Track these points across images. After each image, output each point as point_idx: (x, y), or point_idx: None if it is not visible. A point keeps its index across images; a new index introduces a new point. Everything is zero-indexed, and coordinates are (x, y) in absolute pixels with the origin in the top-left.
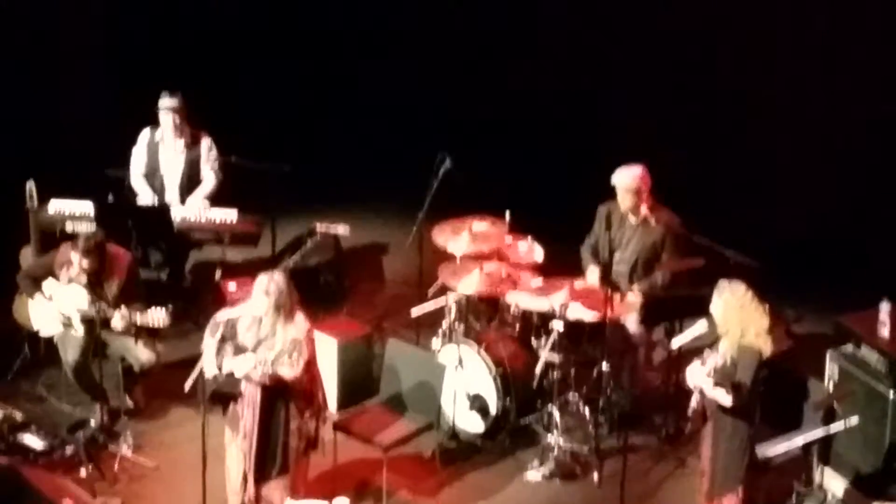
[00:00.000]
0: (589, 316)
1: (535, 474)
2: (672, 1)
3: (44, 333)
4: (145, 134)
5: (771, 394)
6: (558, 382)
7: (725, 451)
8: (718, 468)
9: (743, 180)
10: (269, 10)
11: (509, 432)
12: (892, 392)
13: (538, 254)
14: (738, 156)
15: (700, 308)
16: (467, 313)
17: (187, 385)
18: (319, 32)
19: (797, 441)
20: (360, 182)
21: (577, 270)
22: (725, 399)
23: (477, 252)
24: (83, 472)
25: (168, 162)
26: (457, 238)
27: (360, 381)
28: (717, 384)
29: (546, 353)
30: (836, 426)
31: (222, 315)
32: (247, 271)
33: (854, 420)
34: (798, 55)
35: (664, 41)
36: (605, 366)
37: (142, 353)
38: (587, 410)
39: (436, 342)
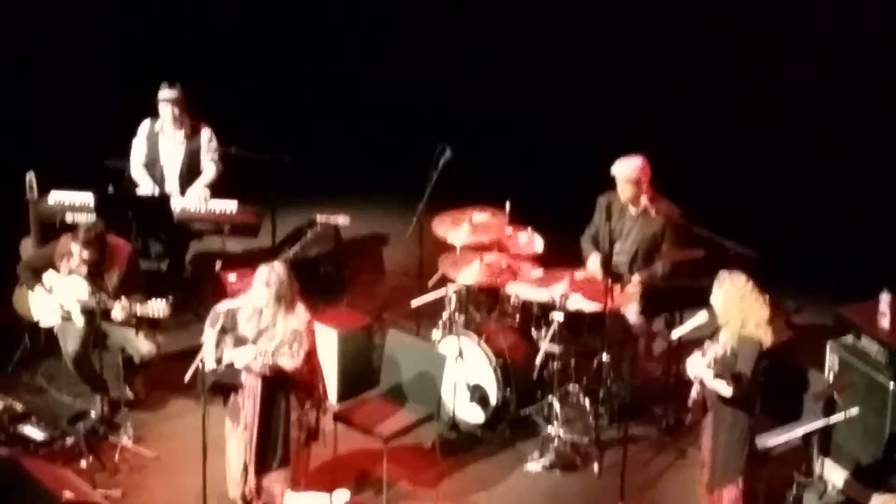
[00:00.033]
0: (589, 306)
1: (535, 465)
2: (672, 1)
3: (44, 324)
4: (145, 125)
5: (771, 385)
6: (558, 373)
7: (726, 441)
8: (719, 459)
9: (743, 180)
10: (269, 10)
11: (509, 423)
12: (892, 383)
13: (538, 244)
14: (738, 156)
15: (700, 299)
16: (467, 304)
17: (187, 376)
18: (319, 32)
19: (797, 432)
20: (361, 173)
21: (578, 261)
22: (726, 390)
23: (477, 243)
24: (83, 463)
25: (168, 153)
26: (457, 229)
27: (360, 372)
28: (717, 375)
29: (546, 344)
30: (836, 417)
31: (223, 306)
32: (247, 262)
33: (854, 411)
34: (798, 55)
35: (664, 41)
36: (605, 357)
37: (142, 345)
38: (587, 401)
39: (436, 333)
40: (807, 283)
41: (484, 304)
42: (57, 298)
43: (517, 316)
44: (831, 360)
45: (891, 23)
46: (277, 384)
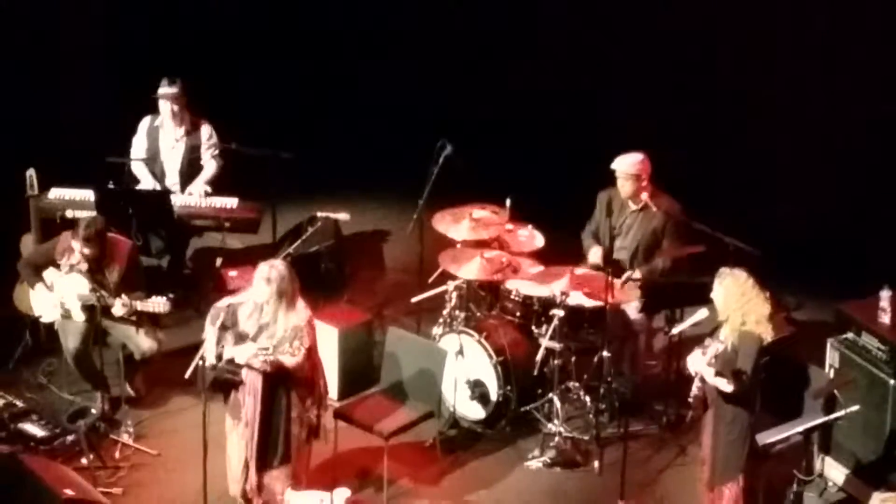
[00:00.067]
0: (589, 302)
1: (535, 462)
2: (672, 1)
3: (45, 319)
4: (145, 121)
5: (771, 381)
6: (559, 370)
7: (726, 439)
8: (719, 456)
9: (743, 180)
10: (269, 10)
11: (510, 420)
12: (892, 379)
13: (539, 241)
14: (738, 156)
15: (701, 295)
16: (468, 300)
17: (188, 373)
18: (319, 32)
19: (798, 429)
20: (361, 170)
21: (578, 258)
22: (726, 387)
23: (477, 239)
24: (84, 461)
25: (168, 149)
26: (457, 225)
27: (360, 369)
28: (717, 372)
29: (547, 341)
30: (837, 414)
31: (223, 302)
32: (247, 258)
33: (854, 408)
34: (798, 55)
35: (664, 41)
36: (605, 353)
37: (143, 341)
38: (588, 398)
39: (436, 330)
40: (807, 279)
41: (484, 300)
42: (57, 295)
43: (518, 313)
44: (832, 356)
45: (891, 23)
46: (278, 381)
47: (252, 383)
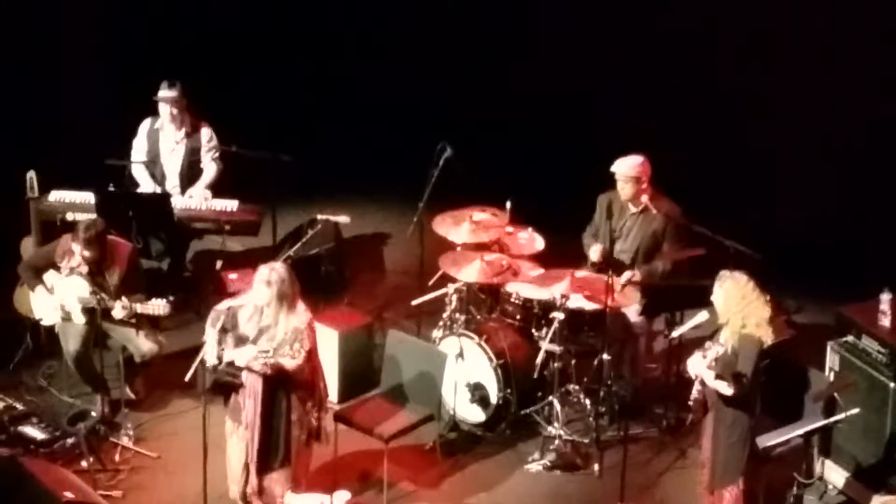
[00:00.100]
0: (590, 305)
1: (535, 465)
2: (672, 1)
3: (46, 322)
4: (146, 123)
5: (772, 384)
6: (559, 373)
7: (726, 442)
8: (719, 459)
9: (743, 180)
10: (269, 10)
11: (510, 423)
12: (892, 382)
13: (539, 244)
14: (738, 156)
15: (701, 299)
16: (468, 303)
17: (188, 375)
18: (319, 32)
19: (798, 432)
20: (361, 172)
21: (578, 260)
22: (726, 390)
23: (478, 242)
24: (84, 464)
25: (168, 151)
26: (457, 228)
27: (360, 372)
28: (718, 376)
29: (547, 344)
30: (837, 417)
31: (223, 305)
32: (247, 261)
33: (854, 411)
34: (798, 55)
35: (664, 41)
36: (605, 356)
37: (143, 343)
38: (588, 401)
39: (436, 333)
40: (807, 282)
41: (484, 303)
42: (58, 298)
43: (518, 315)
44: (832, 359)
45: (891, 23)
46: (278, 383)
47: (252, 386)
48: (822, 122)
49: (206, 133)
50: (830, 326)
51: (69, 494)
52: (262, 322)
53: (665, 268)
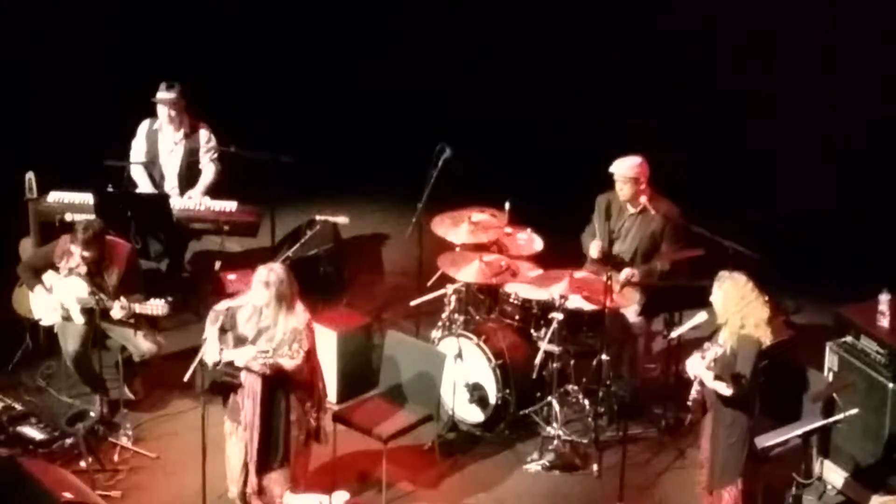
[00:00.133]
0: (588, 306)
1: (534, 465)
2: (672, 1)
3: (45, 322)
4: (144, 124)
5: (771, 385)
6: (558, 373)
7: (725, 442)
8: (718, 459)
9: (743, 180)
10: (269, 10)
11: (509, 423)
12: (891, 383)
13: (538, 244)
14: (738, 156)
15: (700, 299)
16: (467, 304)
17: (187, 376)
18: (319, 32)
19: (796, 432)
20: (360, 173)
21: (577, 261)
22: (725, 390)
23: (476, 242)
24: (83, 464)
25: (167, 152)
26: (456, 228)
27: (359, 373)
28: (716, 376)
29: (545, 344)
30: (836, 417)
31: (222, 305)
32: (246, 262)
33: (853, 411)
34: (798, 55)
35: (664, 41)
36: (604, 356)
37: (142, 344)
38: (587, 401)
39: (435, 333)
40: (806, 283)
41: (483, 304)
42: (57, 298)
43: (516, 316)
44: (831, 360)
45: (891, 23)
46: (277, 384)
47: (251, 386)
48: (822, 122)
49: (204, 134)
50: (829, 327)
51: (68, 495)
52: (261, 323)
53: (663, 268)
